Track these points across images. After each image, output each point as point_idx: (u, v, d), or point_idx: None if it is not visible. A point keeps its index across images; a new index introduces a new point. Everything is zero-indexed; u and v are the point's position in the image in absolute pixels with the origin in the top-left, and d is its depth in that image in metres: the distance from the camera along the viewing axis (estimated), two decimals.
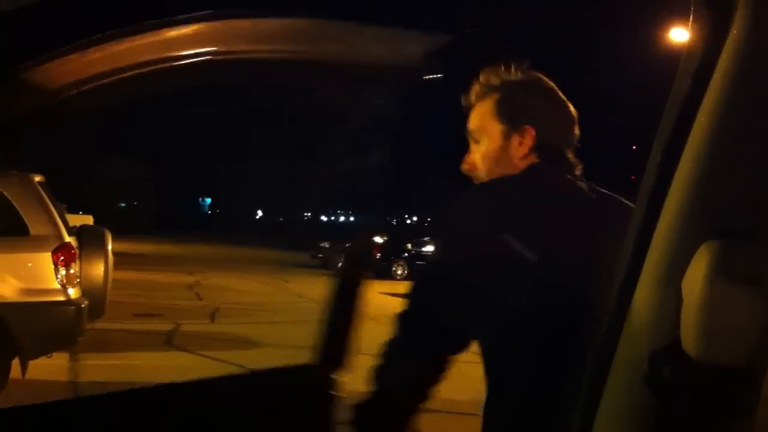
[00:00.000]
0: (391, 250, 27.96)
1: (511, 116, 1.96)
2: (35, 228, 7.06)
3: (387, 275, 26.62)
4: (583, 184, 1.94)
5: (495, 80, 2.02)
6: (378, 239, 29.47)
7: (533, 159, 1.94)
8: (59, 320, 6.99)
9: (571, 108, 2.00)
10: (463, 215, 1.88)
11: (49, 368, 7.53)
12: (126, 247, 9.72)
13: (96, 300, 7.80)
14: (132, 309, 12.18)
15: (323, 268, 27.41)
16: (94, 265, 8.01)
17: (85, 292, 7.44)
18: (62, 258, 7.00)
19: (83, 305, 7.20)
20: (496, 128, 1.98)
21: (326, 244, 29.80)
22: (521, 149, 1.95)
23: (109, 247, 8.40)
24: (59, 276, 6.96)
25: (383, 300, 19.85)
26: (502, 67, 2.03)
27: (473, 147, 2.03)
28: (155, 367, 8.65)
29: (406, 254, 28.24)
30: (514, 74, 2.02)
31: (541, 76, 2.03)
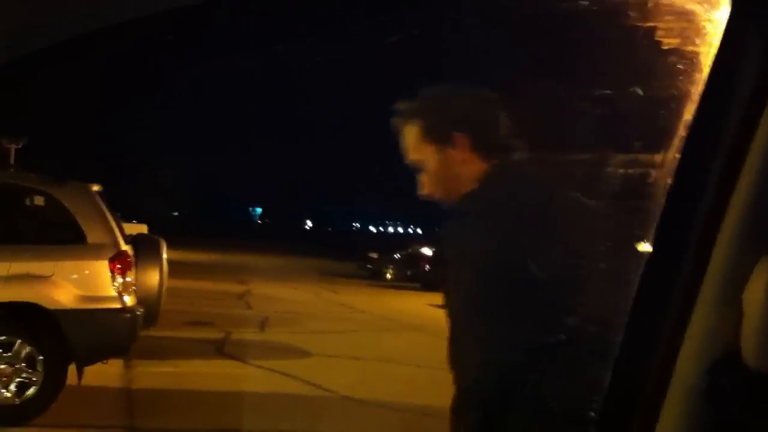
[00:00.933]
0: (439, 262, 27.89)
1: (436, 133, 2.05)
2: (93, 236, 7.22)
3: (436, 287, 26.56)
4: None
5: (411, 106, 2.10)
6: (426, 251, 29.46)
7: (477, 159, 2.04)
8: (115, 327, 7.13)
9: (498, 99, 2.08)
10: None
11: (105, 375, 7.69)
12: (178, 255, 9.89)
13: (150, 308, 7.94)
14: (184, 317, 12.35)
15: (372, 279, 27.43)
16: (149, 274, 8.16)
17: (140, 300, 7.58)
18: (119, 266, 7.15)
19: (138, 313, 7.34)
20: (429, 150, 2.06)
21: (375, 255, 29.84)
22: (460, 155, 2.04)
23: (164, 256, 8.55)
24: (115, 284, 7.11)
25: (432, 312, 19.85)
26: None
27: (421, 175, 2.10)
28: (207, 375, 8.76)
29: None
30: (428, 93, 2.12)
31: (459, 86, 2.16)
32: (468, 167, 2.05)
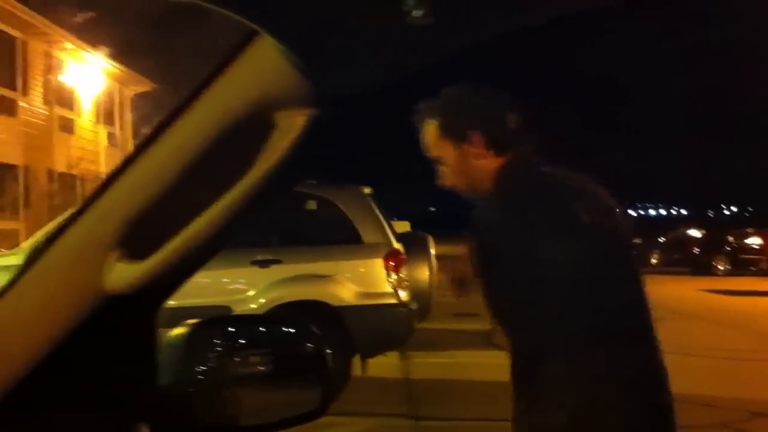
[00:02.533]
0: (711, 244, 26.32)
1: (453, 132, 2.25)
2: (367, 236, 7.66)
3: (706, 271, 25.07)
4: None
5: (431, 105, 2.30)
6: (695, 232, 27.88)
7: (492, 156, 2.23)
8: (392, 321, 7.52)
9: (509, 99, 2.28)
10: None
11: (385, 366, 8.12)
12: (440, 250, 10.22)
13: (423, 302, 8.28)
14: (452, 309, 12.70)
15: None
16: (420, 269, 8.51)
17: (413, 295, 7.92)
18: (392, 263, 7.53)
19: (413, 307, 7.68)
20: (448, 147, 2.26)
21: (637, 240, 28.78)
22: (476, 151, 2.22)
23: (432, 252, 8.86)
24: (390, 280, 7.49)
25: (704, 297, 18.80)
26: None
27: (442, 168, 2.30)
28: (479, 365, 8.93)
29: (728, 248, 26.38)
30: (446, 93, 2.30)
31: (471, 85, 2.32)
32: (484, 163, 2.23)
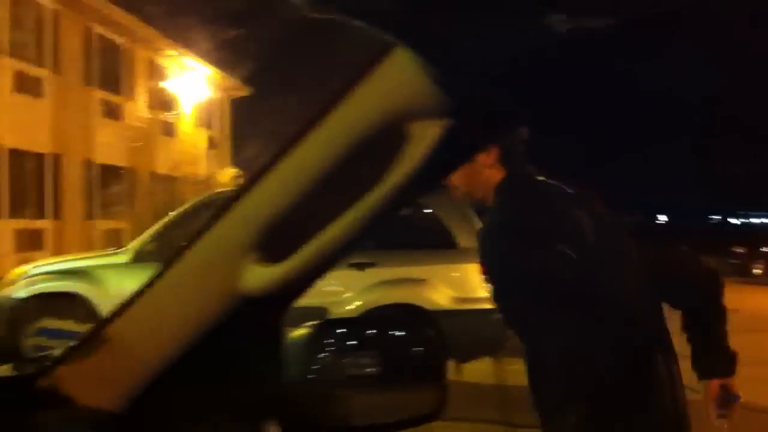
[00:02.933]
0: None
1: None
2: (463, 241, 7.65)
3: None
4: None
5: None
6: None
7: (498, 169, 2.30)
8: (487, 327, 7.46)
9: None
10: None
11: (479, 372, 8.08)
12: None
13: None
14: None
15: (736, 275, 25.49)
16: None
17: None
18: None
19: None
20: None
21: (740, 249, 27.74)
22: (488, 160, 2.30)
23: None
24: (486, 285, 7.44)
25: None
26: None
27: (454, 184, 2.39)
28: None
29: None
30: None
31: None
32: (489, 174, 2.32)
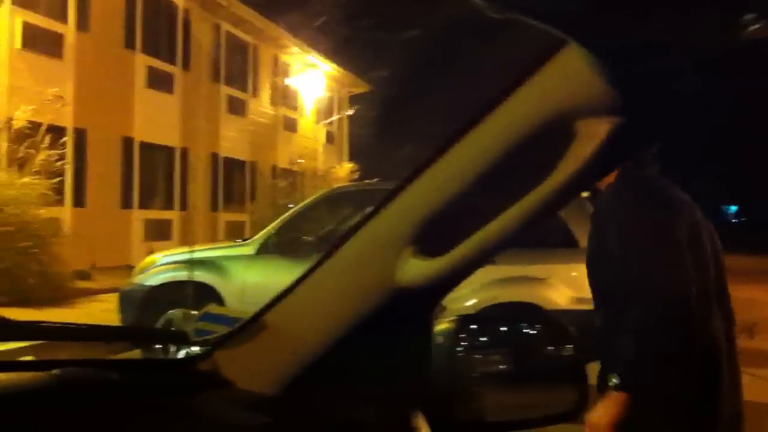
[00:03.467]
0: None
1: None
2: (583, 240, 7.49)
3: None
4: None
5: None
6: None
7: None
8: None
9: None
10: None
11: (594, 374, 7.88)
12: None
13: None
14: None
15: None
16: None
17: None
18: None
19: None
20: None
21: None
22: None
23: None
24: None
25: None
26: None
27: None
28: None
29: None
30: None
31: None
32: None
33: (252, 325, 1.25)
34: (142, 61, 17.90)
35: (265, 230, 8.48)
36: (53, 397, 1.14)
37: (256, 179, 22.73)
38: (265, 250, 8.14)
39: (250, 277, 8.00)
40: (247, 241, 8.64)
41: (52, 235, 11.83)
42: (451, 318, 1.38)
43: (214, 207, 20.83)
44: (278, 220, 8.57)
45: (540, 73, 0.90)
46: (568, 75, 0.88)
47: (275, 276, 7.42)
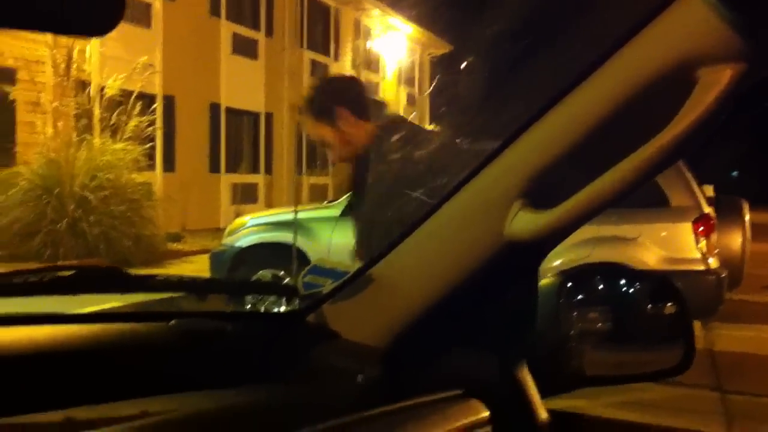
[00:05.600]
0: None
1: (325, 114, 2.76)
2: (675, 199, 7.33)
3: None
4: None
5: (302, 106, 2.90)
6: None
7: (362, 122, 2.71)
8: (700, 289, 7.15)
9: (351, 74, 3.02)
10: None
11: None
12: (754, 217, 9.47)
13: (733, 271, 7.78)
14: (763, 281, 11.79)
15: None
16: (732, 236, 8.00)
17: (723, 263, 7.47)
18: (702, 228, 7.14)
19: (723, 275, 7.25)
20: (325, 129, 2.78)
21: None
22: (348, 121, 2.72)
23: (747, 218, 8.28)
24: (699, 246, 7.12)
25: None
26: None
27: (329, 150, 2.86)
28: None
29: None
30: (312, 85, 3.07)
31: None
32: (357, 131, 2.73)
33: (359, 279, 1.28)
34: (227, 28, 18.15)
35: (350, 192, 8.56)
36: (170, 346, 1.20)
37: None
38: (351, 211, 8.22)
39: (336, 238, 8.11)
40: (333, 203, 8.75)
41: (145, 199, 12.21)
42: (555, 273, 1.38)
43: (299, 171, 21.12)
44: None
45: (660, 19, 0.88)
46: (691, 21, 0.85)
47: None
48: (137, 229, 11.82)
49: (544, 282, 1.34)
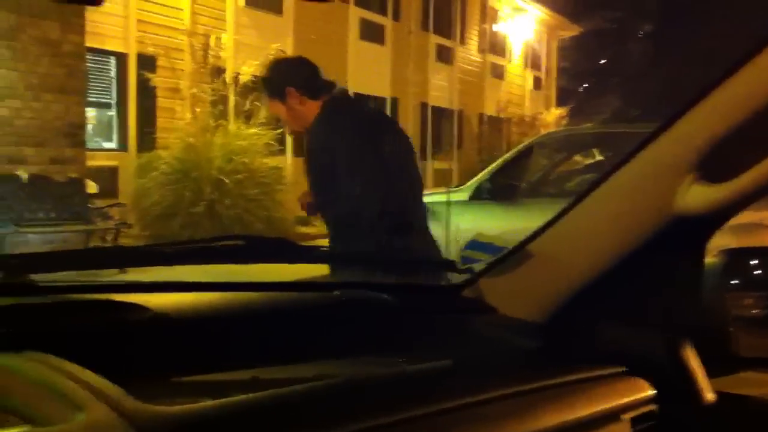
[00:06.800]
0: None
1: (277, 94, 3.21)
2: None
3: None
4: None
5: (262, 86, 3.60)
6: None
7: (306, 99, 3.14)
8: None
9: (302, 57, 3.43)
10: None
11: None
12: None
13: None
14: None
15: None
16: None
17: None
18: None
19: None
20: (278, 106, 3.21)
21: None
22: (297, 100, 3.15)
23: None
24: None
25: None
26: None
27: (283, 122, 3.41)
28: None
29: None
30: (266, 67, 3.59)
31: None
32: (304, 109, 3.14)
33: (517, 254, 1.28)
34: (355, 14, 18.37)
35: (477, 176, 8.53)
36: (337, 314, 1.24)
37: (463, 127, 22.79)
38: (478, 195, 8.19)
39: (463, 222, 8.10)
40: (459, 187, 8.73)
41: (276, 182, 12.54)
42: (717, 253, 1.34)
43: (423, 155, 21.18)
44: (490, 166, 8.58)
45: None
46: None
47: (487, 221, 7.48)
48: (269, 212, 12.15)
49: (707, 259, 1.31)
